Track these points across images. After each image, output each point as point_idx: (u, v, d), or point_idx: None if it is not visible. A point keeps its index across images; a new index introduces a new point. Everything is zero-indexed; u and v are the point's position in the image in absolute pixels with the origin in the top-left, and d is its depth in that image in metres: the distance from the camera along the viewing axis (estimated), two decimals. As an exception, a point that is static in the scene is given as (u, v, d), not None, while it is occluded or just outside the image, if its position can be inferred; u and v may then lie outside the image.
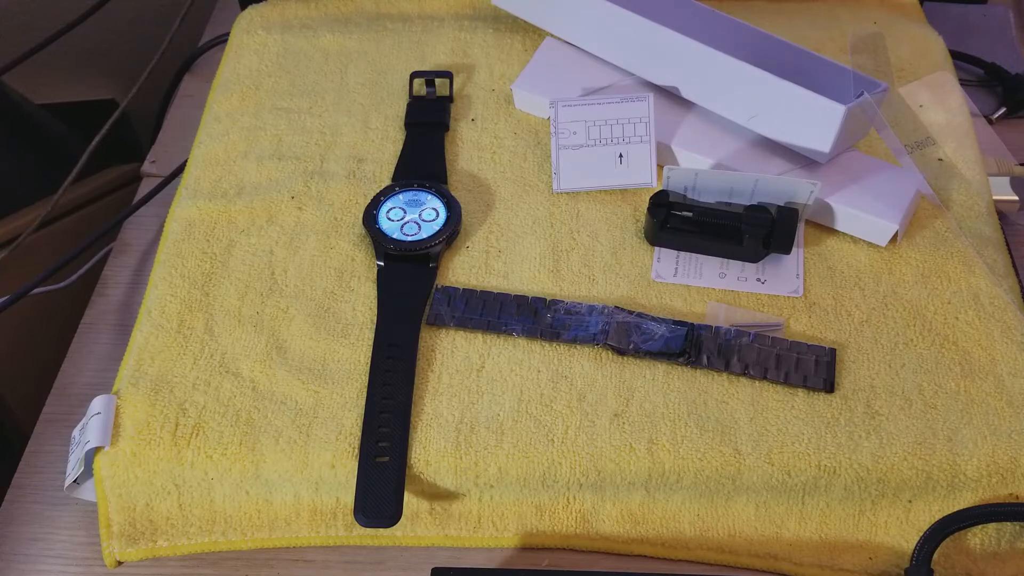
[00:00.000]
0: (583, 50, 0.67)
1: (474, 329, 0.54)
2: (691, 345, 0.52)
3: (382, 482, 0.48)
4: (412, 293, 0.55)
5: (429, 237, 0.57)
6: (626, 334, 0.52)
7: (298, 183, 0.61)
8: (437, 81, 0.67)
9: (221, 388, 0.52)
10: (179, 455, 0.49)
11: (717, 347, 0.52)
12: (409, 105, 0.66)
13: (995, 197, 0.62)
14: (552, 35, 0.68)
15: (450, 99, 0.66)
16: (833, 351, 0.52)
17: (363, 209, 0.59)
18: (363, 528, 0.49)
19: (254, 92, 0.68)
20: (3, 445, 0.83)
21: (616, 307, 0.54)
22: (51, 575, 0.51)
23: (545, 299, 0.55)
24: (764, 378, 0.51)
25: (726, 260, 0.57)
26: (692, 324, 0.52)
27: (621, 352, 0.52)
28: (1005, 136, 0.68)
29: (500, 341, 0.53)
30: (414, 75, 0.67)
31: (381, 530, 0.51)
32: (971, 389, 0.51)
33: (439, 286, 0.56)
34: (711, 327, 0.52)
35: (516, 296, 0.55)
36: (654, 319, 0.53)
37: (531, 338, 0.53)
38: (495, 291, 0.55)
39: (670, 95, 0.64)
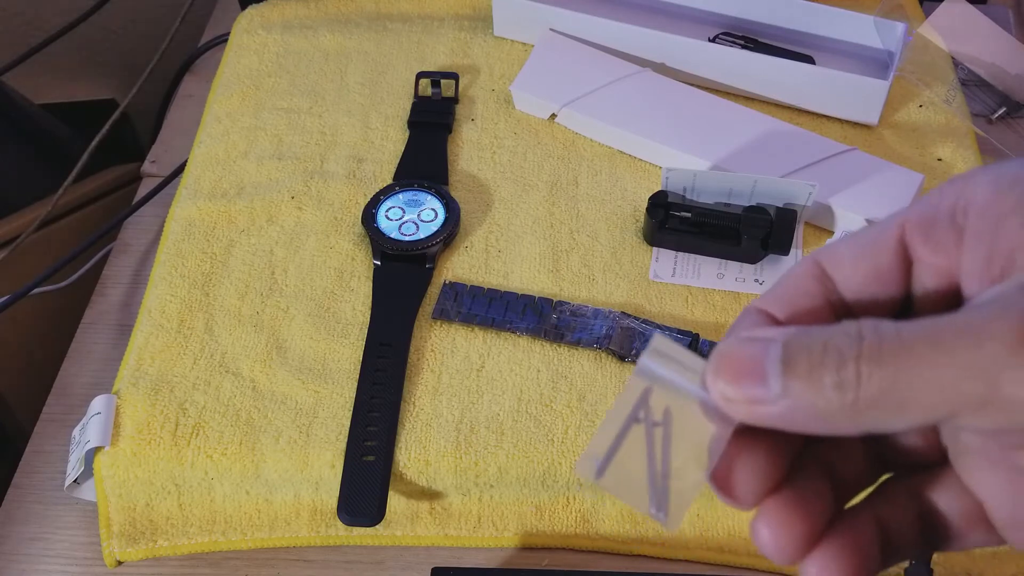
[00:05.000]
0: (581, 45, 0.67)
1: (479, 325, 0.54)
2: None
3: (367, 481, 0.48)
4: (407, 293, 0.55)
5: (426, 238, 0.57)
6: (629, 340, 0.52)
7: (298, 183, 0.61)
8: (443, 82, 0.66)
9: (221, 388, 0.52)
10: (179, 455, 0.50)
11: None
12: (414, 104, 0.66)
13: (995, 197, 0.62)
14: (551, 30, 0.68)
15: (455, 100, 0.66)
16: None
17: (363, 209, 0.59)
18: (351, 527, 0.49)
19: (254, 92, 0.68)
20: (3, 445, 0.83)
21: (623, 312, 0.54)
22: (51, 575, 0.51)
23: (551, 300, 0.55)
24: None
25: (724, 260, 0.57)
26: (696, 336, 0.52)
27: (622, 358, 0.52)
28: (1005, 136, 0.68)
29: (500, 341, 0.53)
30: (420, 75, 0.67)
31: (381, 530, 0.51)
32: (970, 389, 0.51)
33: (447, 282, 0.56)
34: (716, 344, 0.52)
35: (522, 295, 0.55)
36: (659, 327, 0.53)
37: (534, 337, 0.53)
38: (501, 290, 0.55)
39: (670, 96, 0.64)
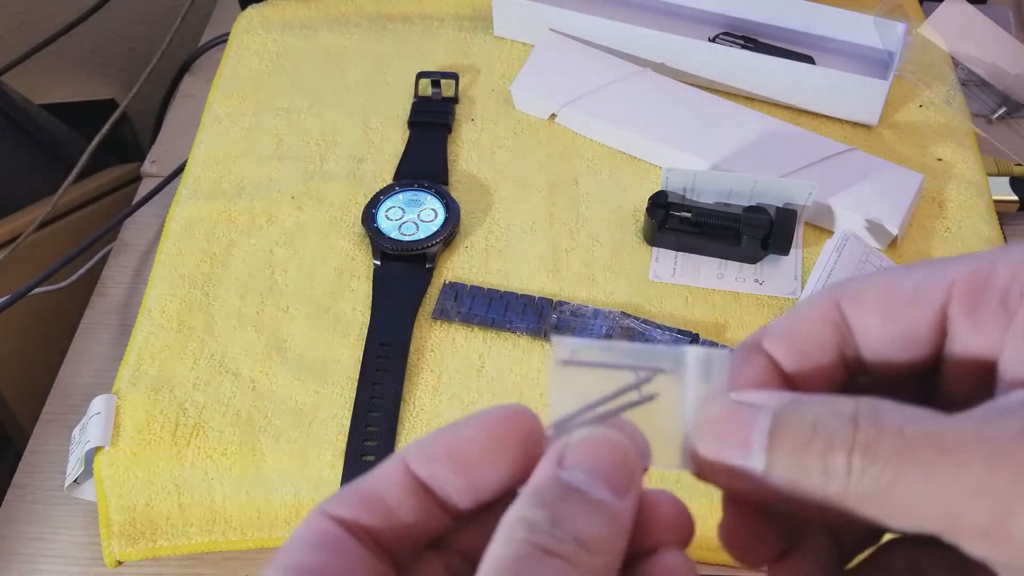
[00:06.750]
0: (581, 45, 0.67)
1: (479, 325, 0.54)
2: None
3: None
4: (407, 293, 0.55)
5: (426, 238, 0.57)
6: (629, 340, 0.52)
7: (298, 183, 0.61)
8: (442, 82, 0.66)
9: (221, 388, 0.52)
10: (179, 455, 0.50)
11: None
12: (414, 104, 0.66)
13: (995, 197, 0.62)
14: (551, 30, 0.68)
15: (455, 100, 0.66)
16: None
17: (363, 209, 0.59)
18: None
19: (254, 92, 0.68)
20: (3, 445, 0.83)
21: (623, 312, 0.53)
22: (51, 575, 0.51)
23: (551, 300, 0.55)
24: None
25: (724, 260, 0.57)
26: (696, 336, 0.52)
27: (622, 356, 0.52)
28: (1005, 136, 0.68)
29: (500, 340, 0.53)
30: (420, 75, 0.67)
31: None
32: (970, 389, 0.51)
33: (447, 282, 0.56)
34: (716, 344, 0.52)
35: (522, 295, 0.55)
36: (659, 327, 0.53)
37: (534, 337, 0.53)
38: (501, 290, 0.55)
39: (670, 96, 0.64)
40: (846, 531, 0.26)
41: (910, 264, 0.25)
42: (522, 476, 0.24)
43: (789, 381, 0.25)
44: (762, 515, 0.24)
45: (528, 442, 0.24)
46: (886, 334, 0.24)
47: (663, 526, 0.23)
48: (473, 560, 0.24)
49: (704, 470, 0.23)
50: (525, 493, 0.22)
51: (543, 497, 0.22)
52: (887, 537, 0.26)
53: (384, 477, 0.24)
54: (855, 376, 0.25)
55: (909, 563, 0.25)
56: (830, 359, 0.24)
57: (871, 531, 0.26)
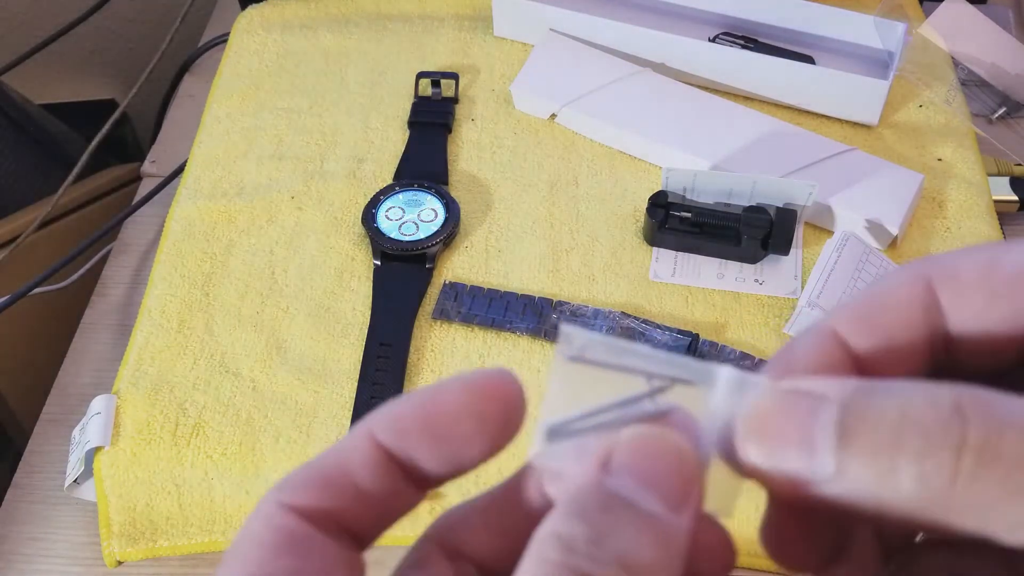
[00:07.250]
0: (581, 45, 0.67)
1: (479, 325, 0.54)
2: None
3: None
4: (407, 293, 0.55)
5: (426, 238, 0.57)
6: (629, 340, 0.52)
7: (298, 183, 0.61)
8: (443, 82, 0.67)
9: (221, 388, 0.52)
10: (179, 455, 0.50)
11: None
12: (414, 104, 0.66)
13: (995, 197, 0.62)
14: (551, 30, 0.68)
15: (455, 100, 0.66)
16: None
17: (363, 209, 0.59)
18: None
19: (254, 92, 0.68)
20: (3, 445, 0.83)
21: (623, 312, 0.53)
22: (51, 575, 0.51)
23: (551, 300, 0.55)
24: None
25: (724, 261, 0.57)
26: (696, 336, 0.52)
27: (621, 357, 0.52)
28: (1005, 136, 0.68)
29: (500, 341, 0.53)
30: (420, 75, 0.67)
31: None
32: (970, 389, 0.51)
33: (447, 282, 0.56)
34: (716, 344, 0.52)
35: (522, 295, 0.55)
36: (659, 327, 0.53)
37: (534, 337, 0.53)
38: (501, 290, 0.55)
39: (670, 96, 0.64)
40: (897, 534, 0.23)
41: (1007, 240, 0.22)
42: (501, 447, 0.21)
43: (861, 368, 0.21)
44: (813, 518, 0.21)
45: (511, 412, 0.21)
46: (989, 318, 0.20)
47: (706, 556, 0.20)
48: (488, 570, 0.21)
49: (751, 474, 0.20)
50: (562, 502, 0.19)
51: (583, 507, 0.18)
52: (921, 535, 0.23)
53: (349, 452, 0.21)
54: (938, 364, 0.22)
55: (946, 564, 0.22)
56: (918, 346, 0.20)
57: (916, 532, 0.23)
